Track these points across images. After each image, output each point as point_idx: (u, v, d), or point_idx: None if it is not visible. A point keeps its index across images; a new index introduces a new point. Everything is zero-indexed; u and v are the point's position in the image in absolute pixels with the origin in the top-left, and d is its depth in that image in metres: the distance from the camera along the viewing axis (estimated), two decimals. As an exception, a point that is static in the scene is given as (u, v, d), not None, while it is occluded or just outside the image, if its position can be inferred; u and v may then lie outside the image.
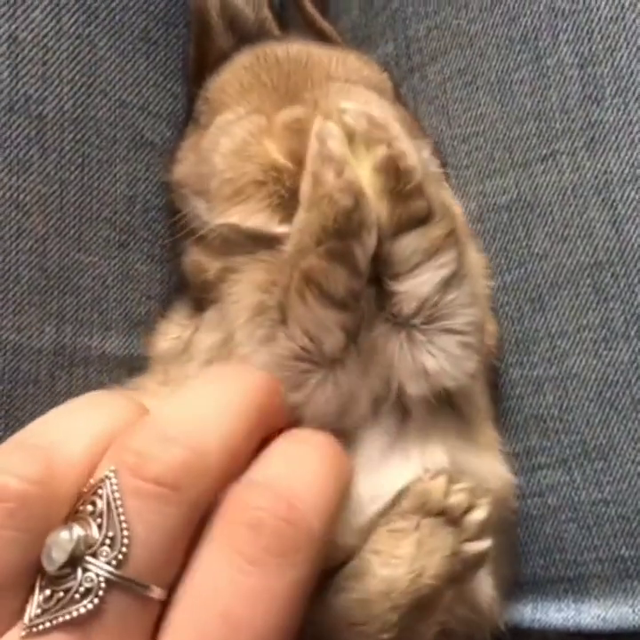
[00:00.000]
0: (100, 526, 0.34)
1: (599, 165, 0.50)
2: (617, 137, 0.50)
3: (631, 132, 0.49)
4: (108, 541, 0.34)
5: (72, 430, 0.38)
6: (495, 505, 0.47)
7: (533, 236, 0.53)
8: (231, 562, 0.35)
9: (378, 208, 0.43)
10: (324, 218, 0.41)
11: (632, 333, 0.50)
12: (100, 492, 0.35)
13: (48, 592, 0.34)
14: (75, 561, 0.34)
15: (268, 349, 0.44)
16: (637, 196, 0.49)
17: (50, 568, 0.34)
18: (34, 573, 0.35)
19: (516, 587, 0.54)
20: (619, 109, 0.50)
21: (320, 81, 0.52)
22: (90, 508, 0.35)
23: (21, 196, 0.50)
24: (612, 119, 0.50)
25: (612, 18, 0.50)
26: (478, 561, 0.46)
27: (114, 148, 0.54)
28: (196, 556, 0.36)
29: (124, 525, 0.34)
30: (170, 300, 0.56)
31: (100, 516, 0.34)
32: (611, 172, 0.50)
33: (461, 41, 0.55)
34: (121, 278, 0.55)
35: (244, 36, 0.57)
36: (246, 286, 0.46)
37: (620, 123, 0.50)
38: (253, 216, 0.47)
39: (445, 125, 0.56)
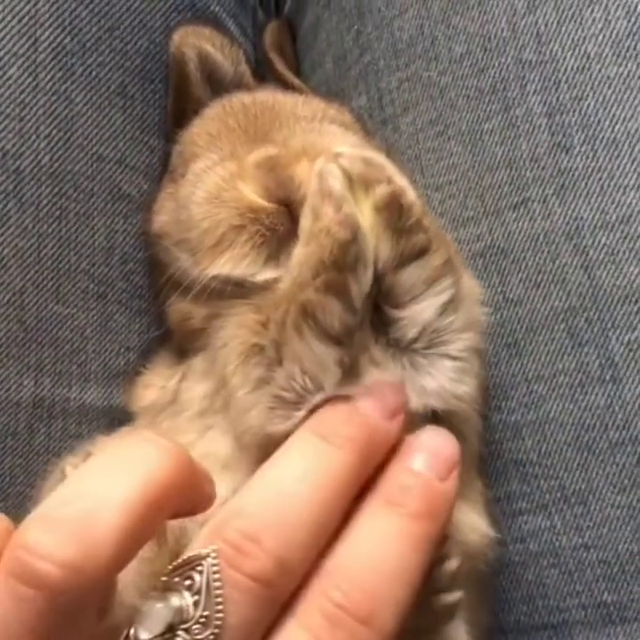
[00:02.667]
0: (196, 603, 0.35)
1: (570, 212, 0.51)
2: (586, 184, 0.50)
3: (600, 179, 0.50)
4: (202, 619, 0.35)
5: (107, 495, 0.35)
6: (469, 557, 0.46)
7: (508, 282, 0.53)
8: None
9: (380, 245, 0.43)
10: (322, 250, 0.42)
11: (607, 378, 0.50)
12: (199, 568, 0.36)
13: None
14: (169, 632, 0.35)
15: (266, 390, 0.44)
16: (608, 242, 0.50)
17: (143, 636, 0.35)
18: None
19: (500, 634, 0.54)
20: (587, 157, 0.50)
21: (288, 121, 0.53)
22: (187, 582, 0.36)
23: (-1, 250, 0.50)
24: (581, 166, 0.51)
25: (578, 68, 0.51)
26: (449, 612, 0.45)
27: (91, 201, 0.54)
28: (279, 631, 0.37)
29: (219, 608, 0.35)
30: (149, 351, 0.56)
31: (198, 593, 0.35)
32: (581, 218, 0.50)
33: (432, 92, 0.56)
34: (99, 330, 0.55)
35: (223, 89, 0.58)
36: (234, 329, 0.46)
37: (589, 170, 0.50)
38: (241, 262, 0.47)
39: (419, 175, 0.57)
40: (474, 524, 0.48)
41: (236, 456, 0.46)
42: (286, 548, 0.37)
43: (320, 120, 0.54)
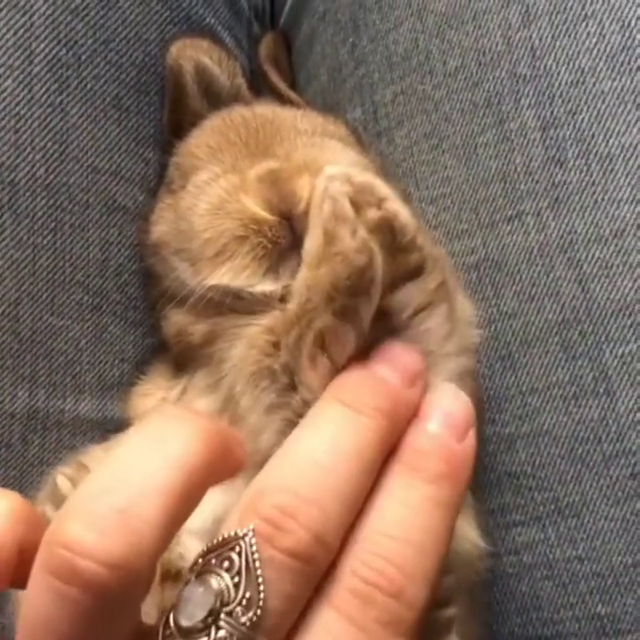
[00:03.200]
0: (236, 585, 0.34)
1: (564, 225, 0.51)
2: (580, 197, 0.51)
3: (594, 193, 0.50)
4: (244, 602, 0.34)
5: (144, 480, 0.34)
6: (461, 568, 0.46)
7: (502, 295, 0.53)
8: (342, 626, 0.36)
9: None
10: (336, 276, 0.41)
11: (601, 390, 0.50)
12: (237, 549, 0.35)
13: None
14: (211, 616, 0.34)
15: (278, 415, 0.44)
16: (602, 255, 0.50)
17: (185, 622, 0.34)
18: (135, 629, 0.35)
19: (494, 646, 0.54)
20: (581, 171, 0.51)
21: (288, 135, 0.53)
22: (226, 563, 0.35)
23: (-6, 262, 0.50)
24: (574, 180, 0.51)
25: (572, 82, 0.51)
26: (446, 627, 0.45)
27: (86, 213, 0.54)
28: (310, 613, 0.36)
29: (261, 588, 0.34)
30: (144, 362, 0.56)
31: (239, 574, 0.34)
32: (575, 231, 0.51)
33: (427, 106, 0.56)
34: (94, 341, 0.55)
35: (220, 102, 0.58)
36: (245, 349, 0.46)
37: (583, 184, 0.51)
38: (241, 273, 0.48)
39: (413, 187, 0.57)
40: (466, 534, 0.48)
41: None
42: (324, 522, 0.36)
43: (320, 135, 0.54)
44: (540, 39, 0.52)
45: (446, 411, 0.42)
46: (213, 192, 0.50)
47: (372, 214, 0.42)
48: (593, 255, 0.50)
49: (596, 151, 0.50)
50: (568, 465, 0.51)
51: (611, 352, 0.50)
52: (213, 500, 0.41)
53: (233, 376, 0.46)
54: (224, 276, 0.48)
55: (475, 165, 0.54)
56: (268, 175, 0.49)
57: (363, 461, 0.38)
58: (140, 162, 0.58)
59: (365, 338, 0.43)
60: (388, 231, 0.43)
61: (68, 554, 0.32)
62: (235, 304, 0.48)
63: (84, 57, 0.54)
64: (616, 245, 0.50)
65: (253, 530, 0.35)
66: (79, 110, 0.54)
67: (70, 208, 0.54)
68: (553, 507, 0.52)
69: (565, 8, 0.51)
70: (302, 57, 0.66)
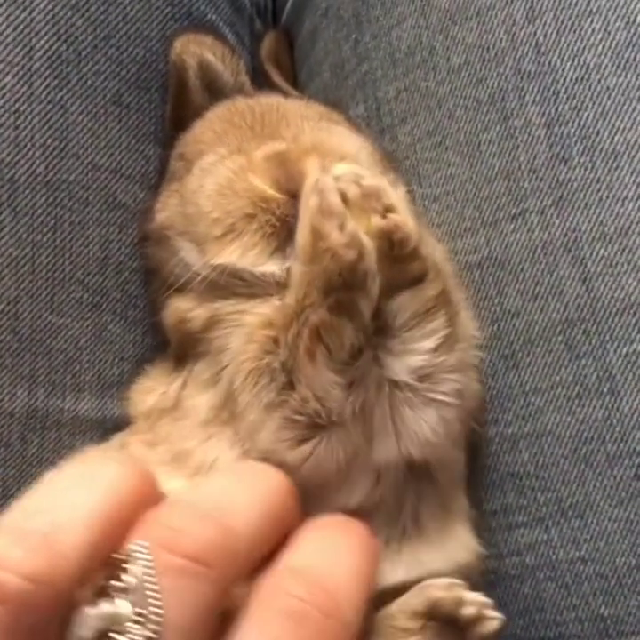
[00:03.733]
0: (131, 602, 0.33)
1: (568, 223, 0.51)
2: (585, 195, 0.50)
3: (599, 191, 0.50)
4: (140, 618, 0.33)
5: (72, 508, 0.35)
6: (461, 575, 0.46)
7: (505, 294, 0.53)
8: None
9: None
10: (328, 272, 0.41)
11: (605, 390, 0.50)
12: (127, 567, 0.34)
13: None
14: (102, 638, 0.33)
15: (278, 414, 0.44)
16: (606, 254, 0.50)
17: None
18: None
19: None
20: (586, 168, 0.50)
21: (295, 120, 0.53)
22: (118, 583, 0.34)
23: (-7, 259, 0.50)
24: (579, 178, 0.50)
25: (577, 79, 0.51)
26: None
27: (86, 211, 0.54)
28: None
29: (156, 603, 0.33)
30: (144, 361, 0.56)
31: (130, 592, 0.33)
32: (580, 230, 0.50)
33: (430, 103, 0.56)
34: (94, 340, 0.55)
35: (223, 99, 0.58)
36: (243, 344, 0.46)
37: (588, 181, 0.50)
38: (249, 251, 0.47)
39: (416, 185, 0.57)
40: (465, 542, 0.48)
41: None
42: (224, 531, 0.35)
43: (326, 120, 0.54)
44: (545, 35, 0.52)
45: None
46: (220, 172, 0.50)
47: (376, 222, 0.43)
48: (597, 253, 0.50)
49: (601, 148, 0.50)
50: (571, 465, 0.51)
51: (615, 351, 0.49)
52: None
53: (233, 368, 0.46)
54: (232, 255, 0.48)
55: (478, 163, 0.54)
56: (276, 156, 0.49)
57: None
58: (141, 159, 0.57)
59: (366, 332, 0.43)
60: (390, 239, 0.43)
61: None
62: (236, 287, 0.48)
63: (84, 53, 0.54)
64: (621, 243, 0.49)
65: (146, 546, 0.35)
66: (79, 107, 0.54)
67: (70, 205, 0.53)
68: (556, 507, 0.51)
69: (570, 4, 0.51)
70: (304, 54, 0.66)
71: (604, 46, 0.50)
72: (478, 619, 0.44)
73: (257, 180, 0.48)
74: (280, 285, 0.46)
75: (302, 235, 0.43)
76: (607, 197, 0.50)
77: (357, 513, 0.44)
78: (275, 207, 0.47)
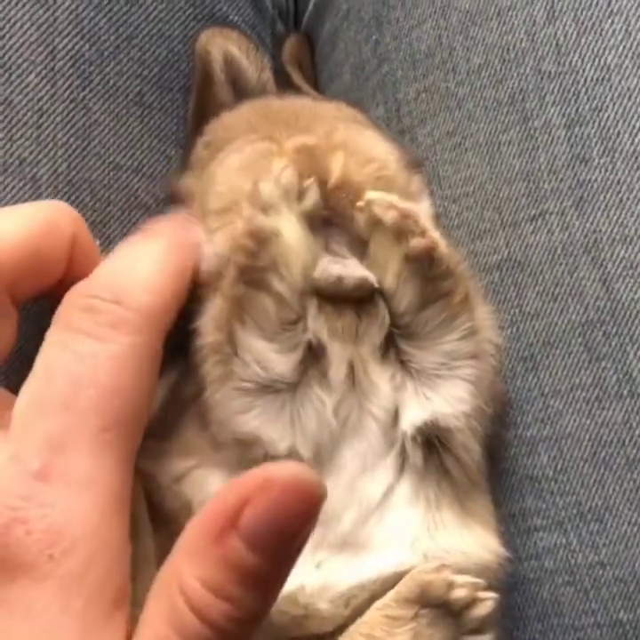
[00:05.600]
0: None
1: (588, 225, 0.51)
2: (605, 197, 0.50)
3: (619, 192, 0.50)
4: None
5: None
6: (482, 576, 0.46)
7: (524, 296, 0.53)
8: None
9: (406, 289, 0.45)
10: (237, 255, 0.44)
11: (625, 393, 0.49)
12: None
13: None
14: None
15: (228, 386, 0.44)
16: (627, 255, 0.49)
17: None
18: None
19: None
20: (606, 169, 0.50)
21: (328, 119, 0.53)
22: None
23: (16, 258, 0.51)
24: (599, 179, 0.50)
25: (597, 79, 0.51)
26: None
27: (108, 210, 0.55)
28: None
29: None
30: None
31: None
32: (600, 231, 0.50)
33: (450, 103, 0.56)
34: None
35: (245, 95, 0.58)
36: (207, 323, 0.46)
37: (608, 182, 0.50)
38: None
39: (436, 186, 0.57)
40: (486, 543, 0.47)
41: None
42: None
43: (358, 122, 0.54)
44: (565, 36, 0.52)
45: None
46: (246, 152, 0.50)
47: (417, 243, 0.44)
48: (617, 255, 0.50)
49: (622, 149, 0.50)
50: (591, 468, 0.51)
51: (635, 353, 0.49)
52: None
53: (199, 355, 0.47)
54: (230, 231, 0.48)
55: (498, 164, 0.54)
56: (306, 147, 0.48)
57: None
58: (163, 159, 0.58)
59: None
60: (426, 261, 0.44)
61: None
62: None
63: (106, 53, 0.54)
64: (642, 245, 0.49)
65: None
66: (102, 106, 0.54)
67: (92, 204, 0.54)
68: (575, 511, 0.51)
69: (591, 4, 0.51)
70: (325, 55, 0.66)
71: (624, 47, 0.50)
72: (471, 601, 0.44)
73: (281, 164, 0.48)
74: None
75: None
76: (628, 199, 0.50)
77: None
78: None
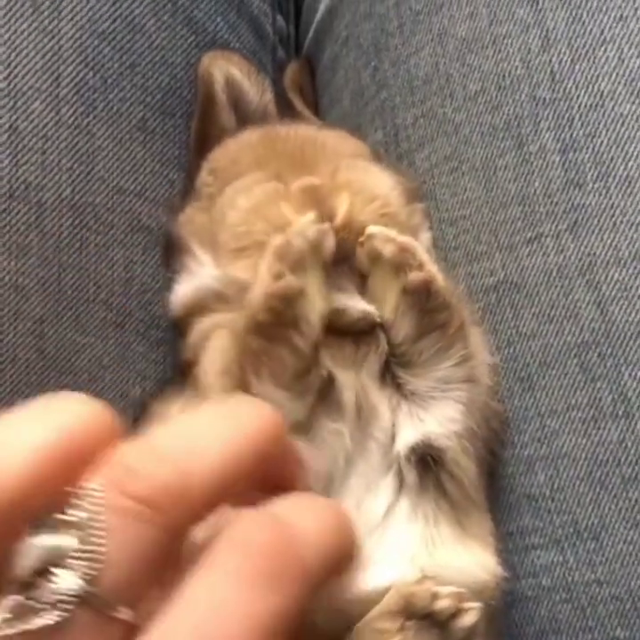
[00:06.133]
0: (76, 538, 0.33)
1: (583, 248, 0.51)
2: (599, 220, 0.51)
3: (613, 216, 0.50)
4: (83, 555, 0.32)
5: (18, 443, 0.34)
6: (478, 595, 0.46)
7: (521, 317, 0.53)
8: (219, 580, 0.34)
9: (403, 321, 0.46)
10: (258, 307, 0.44)
11: (620, 413, 0.50)
12: (80, 503, 0.33)
13: (15, 598, 0.32)
14: (46, 570, 0.32)
15: None
16: (621, 278, 0.50)
17: (20, 573, 0.33)
18: None
19: (512, 670, 0.53)
20: (600, 194, 0.51)
21: (331, 156, 0.54)
22: (68, 517, 0.33)
23: (20, 280, 0.51)
24: (594, 203, 0.51)
25: (591, 105, 0.51)
26: None
27: (111, 233, 0.55)
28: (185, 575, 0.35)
29: (100, 541, 0.33)
30: (166, 380, 0.57)
31: (78, 527, 0.33)
32: (594, 254, 0.51)
33: (447, 129, 0.57)
34: (117, 359, 0.56)
35: (247, 117, 0.60)
36: (212, 362, 0.47)
37: (602, 206, 0.51)
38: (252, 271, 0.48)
39: (433, 209, 0.57)
40: (484, 562, 0.48)
41: None
42: (180, 475, 0.34)
43: (360, 157, 0.55)
44: (560, 63, 0.52)
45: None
46: (254, 193, 0.51)
47: (415, 276, 0.45)
48: (612, 278, 0.50)
49: (615, 174, 0.50)
50: (587, 487, 0.51)
51: (630, 374, 0.50)
52: None
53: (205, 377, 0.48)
54: (244, 270, 0.49)
55: (494, 188, 0.55)
56: (311, 189, 0.49)
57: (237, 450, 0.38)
58: (165, 183, 0.58)
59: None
60: (424, 294, 0.45)
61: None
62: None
63: (110, 80, 0.55)
64: (635, 268, 0.50)
65: (101, 484, 0.34)
66: (105, 132, 0.55)
67: (96, 228, 0.55)
68: (572, 529, 0.51)
69: (584, 33, 0.52)
70: (325, 81, 0.67)
71: (617, 74, 0.51)
72: (456, 611, 0.44)
73: (288, 208, 0.49)
74: None
75: (262, 264, 0.45)
76: (621, 222, 0.50)
77: None
78: None
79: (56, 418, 0.36)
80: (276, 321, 0.44)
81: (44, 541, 0.33)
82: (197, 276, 0.53)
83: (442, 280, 0.46)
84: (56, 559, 0.33)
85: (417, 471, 0.47)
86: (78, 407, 0.36)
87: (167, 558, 0.35)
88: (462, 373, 0.47)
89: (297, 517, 0.37)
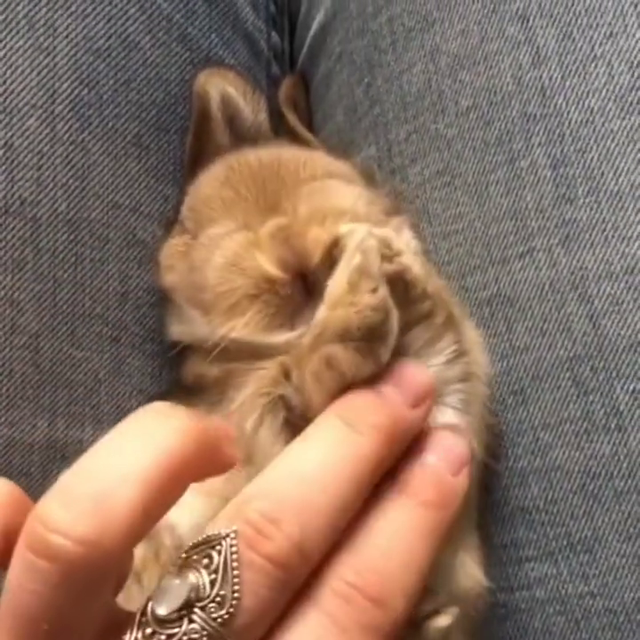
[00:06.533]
0: (212, 582, 0.35)
1: (575, 262, 0.51)
2: (591, 235, 0.51)
3: (604, 230, 0.51)
4: (218, 599, 0.35)
5: (124, 469, 0.35)
6: (462, 603, 0.47)
7: (514, 330, 0.54)
8: (323, 624, 0.37)
9: None
10: (348, 323, 0.43)
11: (612, 426, 0.50)
12: (217, 548, 0.36)
13: (150, 631, 0.35)
14: (185, 608, 0.35)
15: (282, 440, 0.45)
16: (613, 292, 0.50)
17: (160, 611, 0.35)
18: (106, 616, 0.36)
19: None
20: (591, 208, 0.51)
21: (293, 186, 0.54)
22: (205, 560, 0.36)
23: (16, 294, 0.52)
24: (585, 218, 0.51)
25: (582, 121, 0.52)
26: None
27: (106, 248, 0.56)
28: (292, 614, 0.37)
29: (236, 588, 0.35)
30: (161, 394, 0.57)
31: (216, 572, 0.35)
32: (586, 268, 0.51)
33: (439, 144, 0.57)
34: (113, 373, 0.56)
35: (241, 135, 0.60)
36: (253, 383, 0.47)
37: (593, 221, 0.51)
38: (253, 328, 0.49)
39: (426, 223, 0.58)
40: (469, 570, 0.48)
41: None
42: (305, 533, 0.37)
43: (321, 177, 0.55)
44: (551, 79, 0.53)
45: (447, 446, 0.44)
46: (228, 246, 0.51)
47: (386, 268, 0.44)
48: (604, 291, 0.50)
49: (606, 189, 0.51)
50: (580, 500, 0.51)
51: (622, 388, 0.50)
52: (208, 503, 0.43)
53: (244, 409, 0.47)
54: (235, 330, 0.49)
55: (486, 202, 0.55)
56: (280, 232, 0.50)
57: (354, 477, 0.39)
58: (160, 198, 0.59)
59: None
60: (400, 284, 0.45)
61: (42, 528, 0.34)
62: (253, 351, 0.49)
63: (105, 96, 0.56)
64: (627, 282, 0.50)
65: (235, 531, 0.36)
66: (100, 148, 0.55)
67: (91, 242, 0.55)
68: (565, 542, 0.52)
69: (575, 49, 0.52)
70: (319, 97, 0.68)
71: (608, 90, 0.51)
72: (432, 612, 0.44)
73: (263, 258, 0.49)
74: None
75: (337, 283, 0.44)
76: (613, 237, 0.50)
77: None
78: (278, 288, 0.48)
79: (158, 439, 0.36)
80: (370, 335, 0.43)
81: (188, 579, 0.36)
82: (190, 325, 0.53)
83: (417, 270, 0.46)
84: (196, 600, 0.35)
85: None
86: (174, 426, 0.37)
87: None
88: (457, 372, 0.47)
89: (391, 555, 0.40)
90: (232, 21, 0.63)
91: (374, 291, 0.43)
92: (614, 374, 0.50)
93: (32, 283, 0.52)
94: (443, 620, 0.45)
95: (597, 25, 0.52)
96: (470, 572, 0.48)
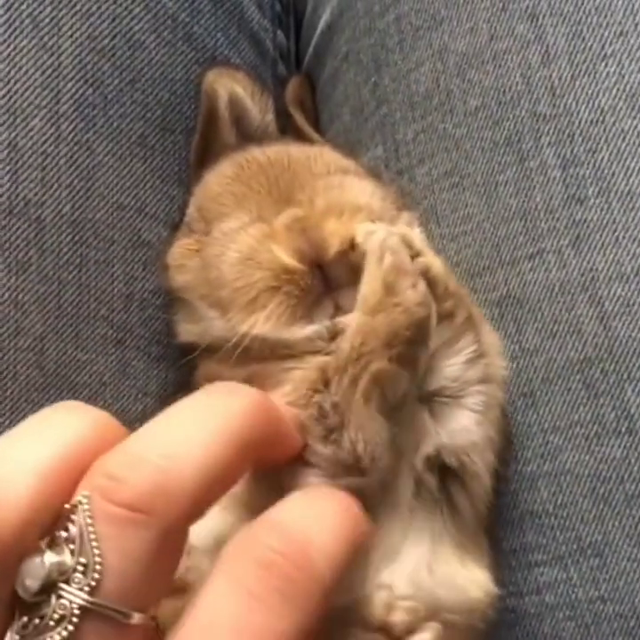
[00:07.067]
0: (72, 552, 0.34)
1: (585, 263, 0.51)
2: (601, 235, 0.51)
3: (615, 231, 0.50)
4: (80, 568, 0.33)
5: (19, 461, 0.35)
6: (471, 614, 0.46)
7: (524, 332, 0.53)
8: (237, 596, 0.35)
9: None
10: (396, 325, 0.43)
11: (623, 430, 0.50)
12: (73, 517, 0.34)
13: (25, 619, 0.34)
14: (49, 588, 0.33)
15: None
16: (623, 293, 0.50)
17: (24, 595, 0.33)
18: (9, 604, 0.34)
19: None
20: (601, 209, 0.51)
21: (306, 180, 0.53)
22: (63, 533, 0.34)
23: (20, 296, 0.51)
24: (595, 218, 0.51)
25: (592, 121, 0.51)
26: None
27: (111, 249, 0.55)
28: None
29: (96, 551, 0.33)
30: (166, 396, 0.56)
31: (73, 541, 0.34)
32: (596, 269, 0.51)
33: (448, 144, 0.57)
34: (118, 375, 0.55)
35: (248, 135, 0.59)
36: (293, 387, 0.46)
37: (604, 222, 0.51)
38: (275, 322, 0.48)
39: (434, 225, 0.57)
40: (479, 580, 0.48)
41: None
42: (169, 474, 0.35)
43: (334, 173, 0.54)
44: (560, 79, 0.52)
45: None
46: (243, 240, 0.50)
47: (418, 263, 0.45)
48: (614, 293, 0.50)
49: (616, 189, 0.50)
50: (590, 504, 0.51)
51: (633, 390, 0.50)
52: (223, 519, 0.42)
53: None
54: (257, 326, 0.48)
55: (495, 203, 0.55)
56: (296, 223, 0.49)
57: (223, 431, 0.37)
58: (165, 199, 0.58)
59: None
60: (426, 280, 0.45)
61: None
62: (278, 350, 0.48)
63: (110, 96, 0.55)
64: (637, 283, 0.50)
65: (88, 495, 0.34)
66: (105, 148, 0.55)
67: (95, 244, 0.54)
68: (575, 546, 0.51)
69: (585, 48, 0.52)
70: (326, 96, 0.67)
71: (618, 89, 0.51)
72: (412, 627, 0.44)
73: (279, 250, 0.49)
74: (325, 342, 0.47)
75: (370, 287, 0.44)
76: (623, 238, 0.50)
77: None
78: (298, 278, 0.48)
79: (56, 433, 0.36)
80: (416, 334, 0.43)
81: (45, 559, 0.34)
82: (205, 326, 0.52)
83: (439, 268, 0.46)
84: (59, 576, 0.33)
85: (434, 484, 0.47)
86: (77, 419, 0.37)
87: (173, 558, 0.36)
88: (477, 373, 0.47)
89: (311, 524, 0.38)
90: (238, 21, 0.63)
91: (414, 286, 0.43)
92: (625, 377, 0.50)
93: (36, 284, 0.52)
94: (423, 637, 0.44)
95: (608, 23, 0.51)
96: (480, 580, 0.48)
